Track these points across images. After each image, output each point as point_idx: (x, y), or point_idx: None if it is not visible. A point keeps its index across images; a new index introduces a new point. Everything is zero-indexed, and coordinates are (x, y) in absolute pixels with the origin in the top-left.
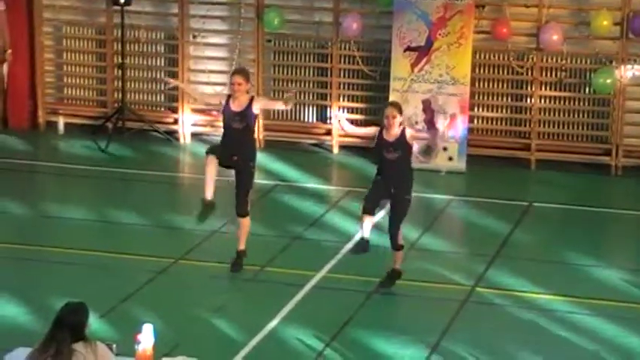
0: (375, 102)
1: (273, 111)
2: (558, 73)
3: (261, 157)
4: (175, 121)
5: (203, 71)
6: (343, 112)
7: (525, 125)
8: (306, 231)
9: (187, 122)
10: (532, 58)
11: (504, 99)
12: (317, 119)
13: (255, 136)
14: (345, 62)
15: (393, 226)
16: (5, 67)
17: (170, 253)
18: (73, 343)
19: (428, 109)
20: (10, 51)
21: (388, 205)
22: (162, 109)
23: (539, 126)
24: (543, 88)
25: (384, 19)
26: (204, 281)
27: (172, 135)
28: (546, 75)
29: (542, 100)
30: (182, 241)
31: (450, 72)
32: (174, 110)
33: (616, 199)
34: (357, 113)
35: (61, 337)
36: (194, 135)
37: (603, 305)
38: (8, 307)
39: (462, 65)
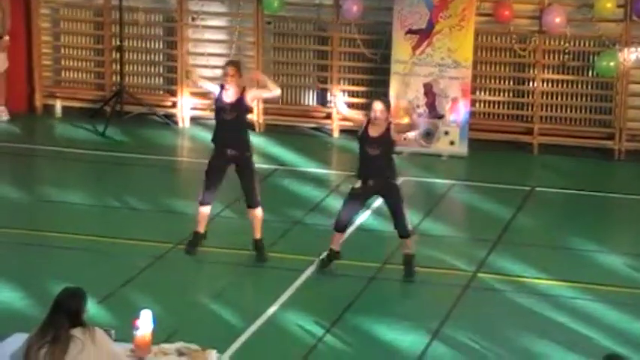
0: (376, 85)
1: None
2: (561, 56)
3: (261, 141)
4: (174, 105)
5: (202, 54)
6: (343, 95)
7: (528, 109)
8: (306, 216)
9: (186, 106)
10: (535, 41)
11: (506, 82)
12: (317, 103)
13: (248, 125)
14: (345, 45)
15: (394, 215)
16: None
17: (169, 238)
18: (71, 329)
19: (429, 92)
20: (7, 38)
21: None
22: (161, 92)
23: (542, 110)
24: (546, 72)
25: (385, 1)
26: (203, 266)
27: (171, 118)
28: (549, 58)
29: (545, 84)
30: (181, 225)
31: (451, 55)
32: (173, 93)
33: (619, 184)
34: (357, 97)
35: (58, 323)
36: (193, 119)
37: (606, 291)
38: (5, 293)
39: (464, 48)
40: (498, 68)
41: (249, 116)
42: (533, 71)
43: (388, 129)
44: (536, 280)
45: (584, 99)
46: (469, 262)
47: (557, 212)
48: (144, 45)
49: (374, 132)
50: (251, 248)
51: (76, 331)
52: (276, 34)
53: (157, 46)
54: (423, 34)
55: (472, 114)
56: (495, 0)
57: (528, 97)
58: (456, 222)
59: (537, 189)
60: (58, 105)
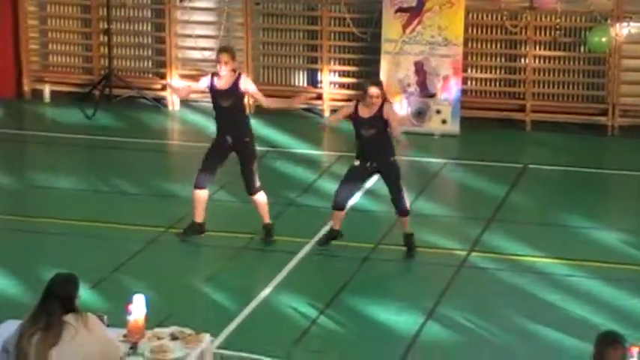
0: (367, 65)
1: (263, 75)
2: (553, 32)
3: (252, 123)
4: (164, 88)
5: (190, 36)
6: (334, 75)
7: (520, 86)
8: (298, 197)
9: None
10: (526, 17)
11: (498, 59)
12: (307, 83)
13: (246, 109)
14: (335, 24)
15: (394, 192)
16: None
17: (161, 222)
18: (64, 315)
19: (420, 71)
20: None
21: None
22: (150, 75)
23: (534, 86)
24: (538, 48)
25: None
26: (196, 250)
27: (161, 102)
28: (540, 34)
29: (537, 60)
30: (172, 209)
31: (442, 33)
32: (163, 76)
33: (613, 160)
34: (347, 76)
35: (51, 309)
36: (183, 101)
37: (601, 267)
38: None
39: (455, 26)
40: (490, 45)
41: None
42: (525, 48)
43: (381, 108)
44: (531, 258)
45: (576, 75)
46: (463, 241)
47: (550, 189)
48: (132, 28)
49: (365, 112)
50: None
51: (69, 318)
52: (264, 14)
53: (145, 28)
54: (414, 12)
55: (464, 92)
56: None
57: (520, 74)
58: (449, 201)
59: (530, 166)
60: (47, 89)
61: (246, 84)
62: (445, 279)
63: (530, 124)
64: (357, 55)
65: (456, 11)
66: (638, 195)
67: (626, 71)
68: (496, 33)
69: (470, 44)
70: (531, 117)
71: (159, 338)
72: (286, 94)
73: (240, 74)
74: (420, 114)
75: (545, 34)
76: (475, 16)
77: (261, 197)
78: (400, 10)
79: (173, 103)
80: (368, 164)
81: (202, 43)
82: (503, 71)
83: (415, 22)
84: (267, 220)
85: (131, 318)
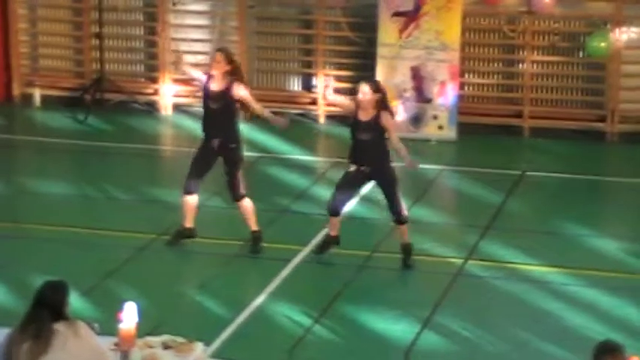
0: (362, 70)
1: (257, 79)
2: (551, 37)
3: (245, 129)
4: (156, 92)
5: (184, 40)
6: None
7: (517, 91)
8: (292, 204)
9: (168, 93)
10: (524, 22)
11: (495, 65)
12: (302, 88)
13: (236, 115)
14: (330, 29)
15: (391, 200)
16: None
17: (153, 229)
18: (54, 323)
19: (417, 76)
20: None
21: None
22: (142, 79)
23: (532, 92)
24: (535, 53)
25: None
26: (188, 257)
27: (153, 106)
28: (538, 39)
29: (535, 66)
30: (164, 215)
31: (439, 37)
32: (155, 80)
33: (612, 167)
34: (343, 81)
35: (40, 317)
36: (175, 106)
37: (599, 276)
38: None
39: (452, 30)
40: (487, 50)
41: None
42: (523, 53)
43: (379, 114)
44: (528, 267)
45: (575, 81)
46: (460, 248)
47: (548, 196)
48: (124, 31)
49: (364, 116)
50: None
51: (59, 326)
52: (259, 18)
53: (137, 32)
54: (410, 17)
55: (461, 97)
56: None
57: (518, 79)
58: (446, 208)
59: (528, 173)
60: (37, 94)
61: (239, 90)
62: (441, 287)
63: (528, 131)
64: (353, 59)
65: (453, 15)
66: (637, 203)
67: (625, 77)
68: (493, 38)
69: (467, 49)
70: (529, 123)
71: (150, 347)
72: (280, 99)
73: (234, 80)
74: (416, 119)
75: (543, 39)
76: (472, 21)
77: (246, 204)
78: (396, 14)
79: (165, 107)
80: (362, 168)
81: (196, 46)
82: (500, 77)
83: (411, 26)
84: (254, 227)
85: (122, 326)
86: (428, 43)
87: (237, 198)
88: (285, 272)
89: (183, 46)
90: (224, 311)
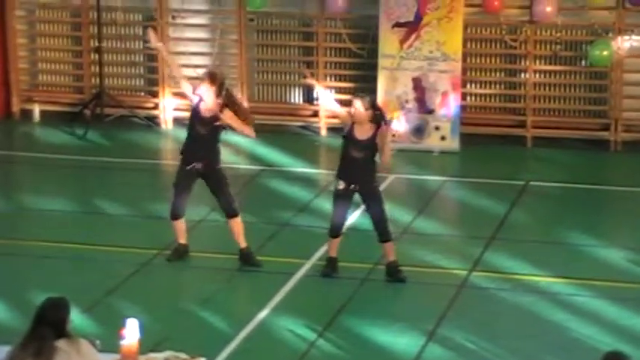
0: (364, 81)
1: (258, 92)
2: (553, 46)
3: (246, 142)
4: (156, 106)
5: (184, 53)
6: (331, 91)
7: (520, 101)
8: (294, 217)
9: (168, 107)
10: (525, 31)
11: (498, 74)
12: (303, 100)
13: (220, 138)
14: (331, 40)
15: (377, 219)
16: None
17: (154, 244)
18: (55, 340)
19: (418, 87)
20: None
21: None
22: (142, 93)
23: (535, 102)
24: (538, 62)
25: None
26: (190, 272)
27: (153, 120)
28: (541, 48)
29: (537, 75)
30: (166, 231)
31: (440, 48)
32: (155, 95)
33: (616, 176)
34: (344, 93)
35: (42, 335)
36: (176, 120)
37: (606, 286)
38: None
39: (453, 41)
40: (489, 60)
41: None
42: (525, 62)
43: (376, 132)
44: (534, 278)
45: (577, 90)
46: (464, 260)
47: (553, 206)
48: (123, 45)
49: (360, 134)
50: (239, 258)
51: (61, 343)
52: (259, 30)
53: (136, 46)
54: (411, 27)
55: (463, 108)
56: None
57: (520, 89)
58: (450, 219)
59: (532, 183)
60: (36, 109)
61: (228, 117)
62: (446, 299)
63: (531, 140)
64: (354, 71)
65: (454, 26)
66: None
67: (628, 85)
68: (495, 47)
69: (469, 59)
70: (532, 133)
71: None
72: (281, 112)
73: (223, 106)
74: (418, 130)
75: (545, 48)
76: (474, 31)
77: (238, 221)
78: (397, 25)
79: (166, 122)
80: (352, 186)
81: (195, 60)
82: (502, 86)
83: (413, 37)
84: (244, 244)
85: (124, 343)
86: (429, 53)
87: (232, 214)
88: (288, 286)
89: (183, 60)
90: (227, 326)
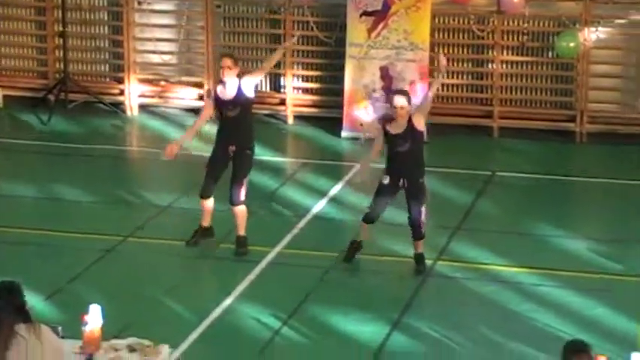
0: (331, 69)
1: None
2: (520, 37)
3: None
4: (121, 92)
5: (149, 39)
6: (297, 80)
7: (487, 92)
8: (260, 205)
9: (134, 93)
10: (493, 22)
11: (465, 65)
12: (270, 89)
13: (252, 118)
14: (298, 28)
15: (415, 213)
16: None
17: (119, 231)
18: (15, 325)
19: (386, 76)
20: None
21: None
22: (107, 79)
23: (502, 92)
24: (505, 53)
25: None
26: (155, 259)
27: (118, 107)
28: (508, 39)
29: (504, 66)
30: (131, 217)
31: (408, 37)
32: (120, 81)
33: (581, 167)
34: (311, 81)
35: None
36: (142, 106)
37: (570, 276)
38: None
39: (421, 30)
40: (456, 50)
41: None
42: (492, 53)
43: (410, 120)
44: (498, 267)
45: (544, 81)
46: (430, 249)
47: (518, 197)
48: (88, 30)
49: (396, 129)
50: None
51: (20, 329)
52: (226, 17)
53: (102, 31)
54: (379, 16)
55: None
56: None
57: (487, 79)
58: None
59: (498, 173)
60: None
61: (248, 85)
62: (411, 288)
63: (498, 131)
64: (322, 59)
65: (422, 15)
66: (606, 203)
67: (594, 77)
68: (463, 37)
69: (436, 49)
70: (499, 123)
71: (116, 350)
72: None
73: (240, 79)
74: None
75: (512, 38)
76: (441, 20)
77: (239, 209)
78: (365, 13)
79: (131, 108)
80: (400, 183)
81: (161, 46)
82: (470, 77)
83: (380, 26)
84: (242, 232)
85: (87, 329)
86: (397, 42)
87: (236, 202)
88: (253, 274)
89: (149, 46)
90: (191, 314)
